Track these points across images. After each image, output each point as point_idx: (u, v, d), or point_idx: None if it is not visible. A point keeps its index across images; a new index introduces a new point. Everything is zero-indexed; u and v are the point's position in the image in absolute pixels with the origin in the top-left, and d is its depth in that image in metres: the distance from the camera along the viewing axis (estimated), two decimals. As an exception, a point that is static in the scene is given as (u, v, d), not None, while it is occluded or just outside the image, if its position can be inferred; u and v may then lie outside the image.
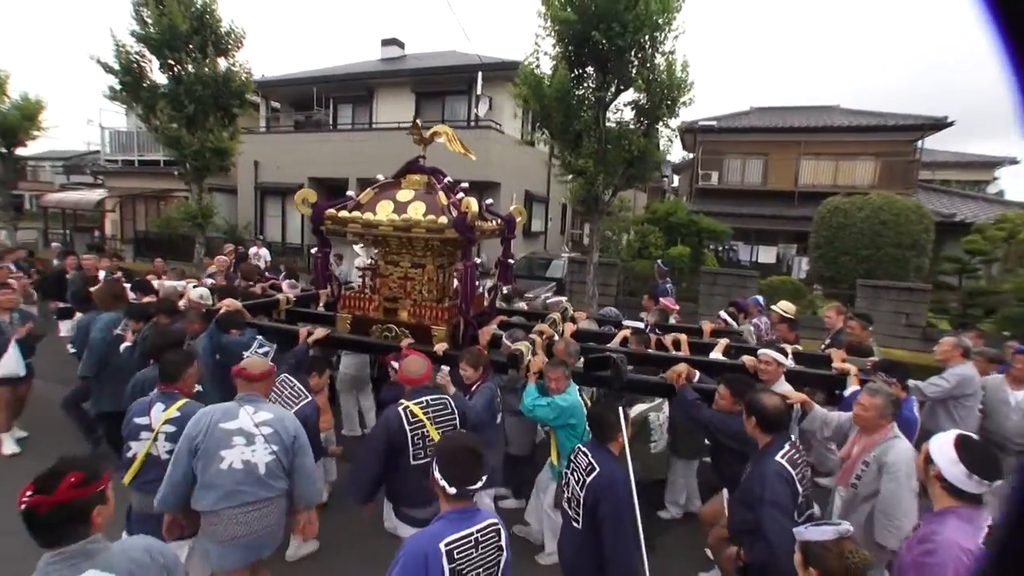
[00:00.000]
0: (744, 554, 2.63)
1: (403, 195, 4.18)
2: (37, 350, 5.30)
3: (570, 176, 10.08)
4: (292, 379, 3.49)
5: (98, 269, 7.60)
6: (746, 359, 3.84)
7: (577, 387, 3.57)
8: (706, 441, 3.77)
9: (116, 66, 11.52)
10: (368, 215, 4.08)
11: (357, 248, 9.44)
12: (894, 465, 2.78)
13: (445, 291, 4.51)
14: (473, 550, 1.92)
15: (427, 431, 2.91)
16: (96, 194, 20.31)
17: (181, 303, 5.20)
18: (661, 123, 9.51)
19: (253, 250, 11.55)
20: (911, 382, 3.87)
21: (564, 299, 6.27)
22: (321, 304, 5.78)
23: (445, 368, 3.78)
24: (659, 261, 9.62)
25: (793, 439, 2.72)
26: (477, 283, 4.38)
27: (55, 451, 4.88)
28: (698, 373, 3.73)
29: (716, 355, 4.29)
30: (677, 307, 6.90)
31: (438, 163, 4.59)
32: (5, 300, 4.94)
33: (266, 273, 8.48)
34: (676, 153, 25.29)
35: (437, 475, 1.94)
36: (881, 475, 2.82)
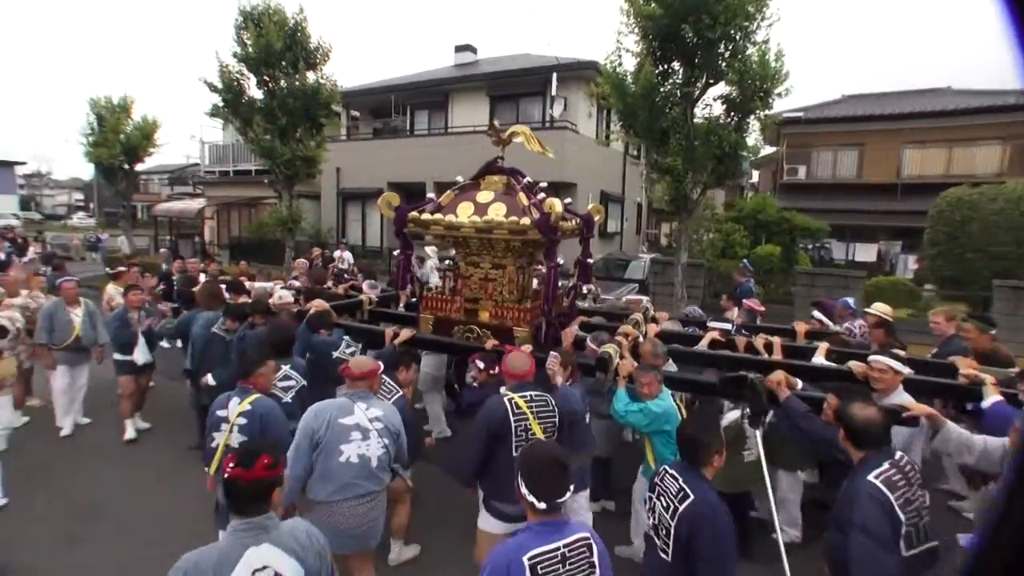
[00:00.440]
0: None
1: (483, 196, 4.26)
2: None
3: (655, 175, 9.91)
4: (383, 376, 3.62)
5: (200, 272, 8.30)
6: (854, 365, 3.56)
7: (670, 392, 3.47)
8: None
9: (220, 85, 12.70)
10: (450, 217, 4.20)
11: (428, 250, 9.72)
12: None
13: (525, 292, 4.55)
14: (560, 565, 1.84)
15: (530, 424, 2.97)
16: (197, 203, 22.39)
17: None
18: (753, 116, 9.15)
19: (337, 253, 12.28)
20: None
21: (645, 298, 6.10)
22: (401, 304, 5.99)
23: (528, 347, 3.79)
24: (745, 260, 9.15)
25: (897, 457, 2.38)
26: (560, 284, 4.36)
27: (166, 441, 5.26)
28: (800, 382, 3.49)
29: (819, 359, 4.02)
30: (762, 308, 6.51)
31: (514, 165, 4.62)
32: (136, 299, 5.61)
33: (345, 275, 8.85)
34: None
35: (524, 490, 1.89)
36: None
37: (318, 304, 4.68)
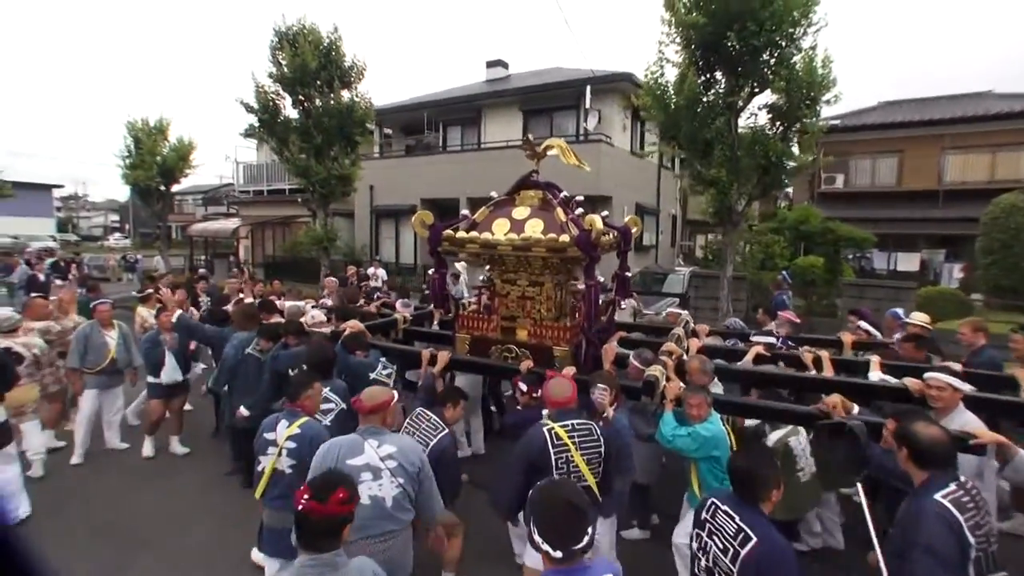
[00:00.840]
0: None
1: (519, 212, 4.25)
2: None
3: (700, 187, 9.85)
4: (428, 412, 3.58)
5: (239, 291, 8.51)
6: (910, 383, 3.41)
7: (720, 416, 3.36)
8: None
9: (256, 105, 13.23)
10: (486, 235, 4.19)
11: (458, 265, 9.76)
12: None
13: (562, 309, 4.51)
14: None
15: (571, 456, 2.86)
16: (232, 223, 23.20)
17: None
18: (799, 125, 9.03)
19: (371, 270, 12.52)
20: None
21: (685, 312, 5.99)
22: (436, 323, 5.99)
23: (570, 370, 3.73)
24: (784, 272, 9.03)
25: (963, 480, 2.24)
26: (602, 300, 4.29)
27: (203, 465, 5.26)
28: (856, 406, 3.33)
29: (876, 375, 3.91)
30: (798, 320, 6.46)
31: (548, 179, 4.60)
32: (167, 320, 5.67)
33: (377, 294, 8.92)
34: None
35: (537, 537, 1.80)
36: None
37: (353, 325, 4.71)
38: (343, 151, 13.53)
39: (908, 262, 16.23)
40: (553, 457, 2.84)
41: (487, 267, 4.77)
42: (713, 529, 2.28)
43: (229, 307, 6.88)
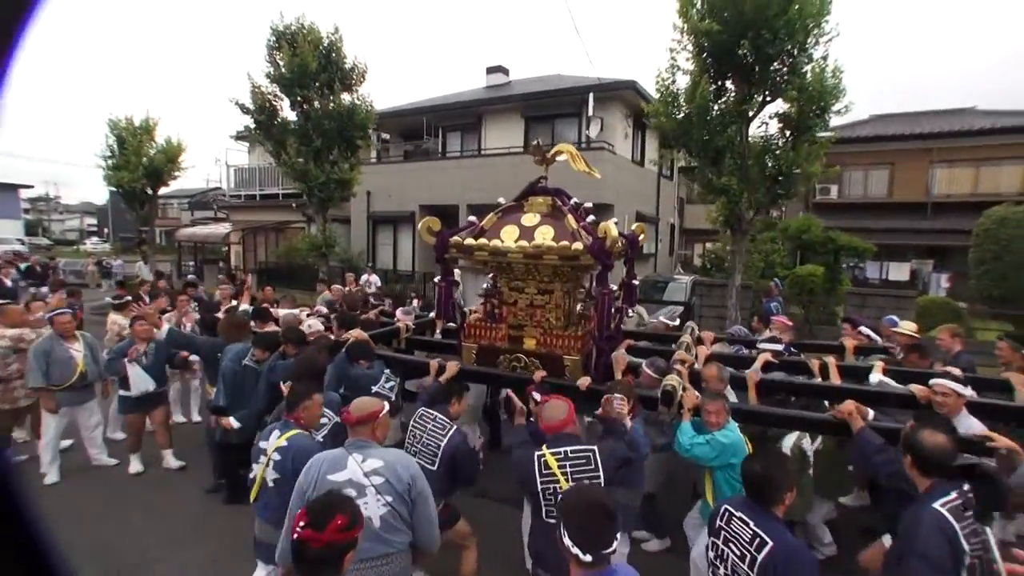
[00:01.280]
0: None
1: (528, 219, 4.26)
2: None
3: (711, 196, 10.04)
4: (431, 411, 3.54)
5: (231, 298, 8.25)
6: (916, 389, 3.54)
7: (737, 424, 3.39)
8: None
9: (252, 106, 13.15)
10: (495, 242, 4.16)
11: (458, 273, 9.74)
12: None
13: (571, 317, 4.52)
14: None
15: (560, 488, 2.72)
16: (223, 228, 23.11)
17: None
18: (809, 135, 9.19)
19: (364, 277, 12.57)
20: None
21: (691, 322, 6.06)
22: (438, 331, 5.98)
23: (585, 380, 3.79)
24: (776, 280, 9.24)
25: (966, 488, 2.36)
26: (614, 310, 4.31)
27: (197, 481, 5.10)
28: (871, 411, 3.39)
29: (877, 377, 4.04)
30: (791, 323, 6.69)
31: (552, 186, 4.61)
32: (142, 330, 5.34)
33: (370, 300, 8.87)
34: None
35: (567, 540, 1.83)
36: None
37: (357, 333, 4.69)
38: (343, 155, 13.49)
39: (899, 272, 17.11)
40: (540, 487, 2.78)
41: (490, 275, 4.78)
42: (729, 536, 2.34)
43: (220, 314, 6.68)
